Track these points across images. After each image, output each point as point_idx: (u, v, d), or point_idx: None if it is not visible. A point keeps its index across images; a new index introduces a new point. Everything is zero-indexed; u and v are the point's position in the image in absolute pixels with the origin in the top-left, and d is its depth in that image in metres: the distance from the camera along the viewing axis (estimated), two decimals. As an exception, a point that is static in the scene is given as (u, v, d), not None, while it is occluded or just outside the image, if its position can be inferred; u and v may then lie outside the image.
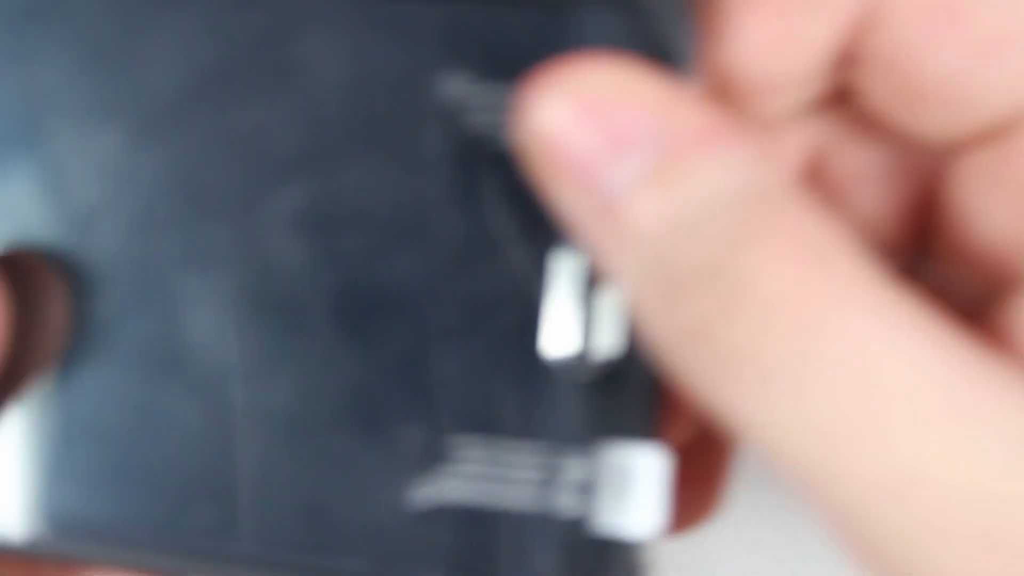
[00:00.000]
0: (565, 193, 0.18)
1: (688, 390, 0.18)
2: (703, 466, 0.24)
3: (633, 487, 0.20)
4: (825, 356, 0.17)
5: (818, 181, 0.22)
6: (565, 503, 0.20)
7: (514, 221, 0.21)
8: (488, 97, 0.21)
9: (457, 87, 0.21)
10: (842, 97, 0.22)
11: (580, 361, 0.21)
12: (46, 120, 0.21)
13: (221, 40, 0.21)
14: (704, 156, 0.18)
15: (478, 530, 0.20)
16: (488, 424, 0.21)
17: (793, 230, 0.17)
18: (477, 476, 0.21)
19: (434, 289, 0.21)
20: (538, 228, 0.21)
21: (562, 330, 0.21)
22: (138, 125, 0.21)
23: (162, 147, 0.21)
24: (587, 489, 0.20)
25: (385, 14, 0.21)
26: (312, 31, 0.21)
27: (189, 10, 0.21)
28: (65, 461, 0.21)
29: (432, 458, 0.21)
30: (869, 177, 0.22)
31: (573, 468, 0.20)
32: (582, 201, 0.18)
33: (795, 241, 0.17)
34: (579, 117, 0.18)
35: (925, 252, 0.22)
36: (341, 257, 0.21)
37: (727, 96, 0.21)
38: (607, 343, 0.21)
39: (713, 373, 0.17)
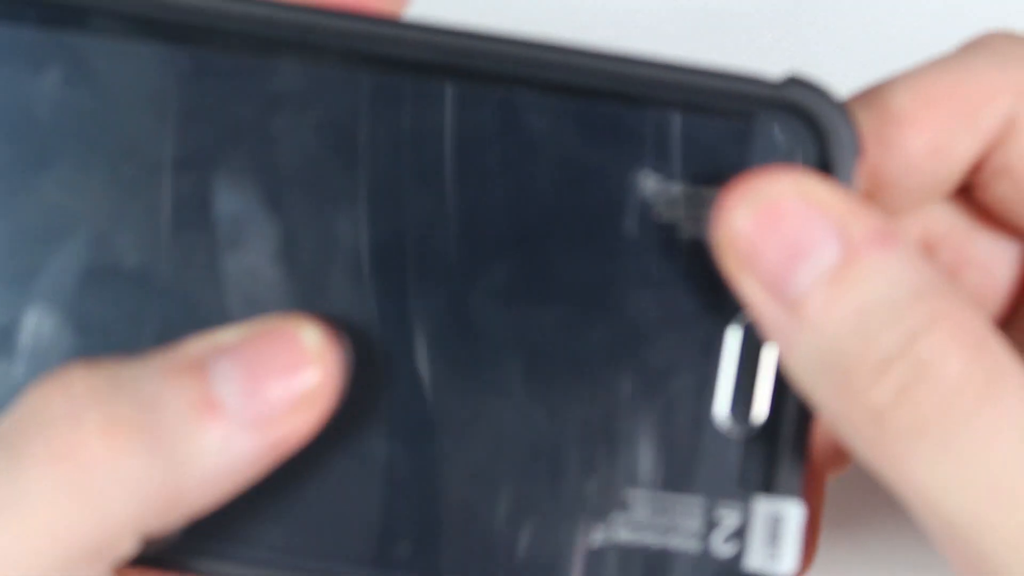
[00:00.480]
0: (751, 291, 0.21)
1: (862, 461, 0.21)
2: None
3: (780, 535, 0.23)
4: (996, 426, 0.20)
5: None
6: (721, 547, 0.24)
7: (693, 299, 0.24)
8: (677, 194, 0.23)
9: (650, 184, 0.23)
10: (961, 191, 0.25)
11: (742, 425, 0.24)
12: (287, 197, 0.24)
13: (447, 136, 0.24)
14: (880, 256, 0.21)
15: (646, 567, 0.24)
16: (658, 479, 0.24)
17: (959, 320, 0.20)
18: (647, 523, 0.24)
19: (617, 358, 0.24)
20: (712, 306, 0.24)
21: (727, 396, 0.24)
22: (374, 205, 0.24)
23: (393, 224, 0.24)
24: (740, 535, 0.24)
25: (594, 118, 0.23)
26: (527, 131, 0.23)
27: (427, 109, 0.23)
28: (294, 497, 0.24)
29: (608, 507, 0.24)
30: (978, 261, 0.25)
31: (729, 518, 0.24)
32: (767, 299, 0.21)
33: (962, 330, 0.20)
34: (765, 226, 0.21)
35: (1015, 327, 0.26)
36: (539, 326, 0.24)
37: (878, 196, 0.24)
38: (765, 408, 0.24)
39: (893, 447, 0.20)
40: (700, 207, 0.24)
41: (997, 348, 0.20)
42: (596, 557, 0.24)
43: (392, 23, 0.24)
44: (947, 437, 0.20)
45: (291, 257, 0.24)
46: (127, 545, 0.21)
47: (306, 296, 0.24)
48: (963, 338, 0.20)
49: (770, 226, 0.21)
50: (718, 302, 0.24)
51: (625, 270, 0.24)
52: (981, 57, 0.24)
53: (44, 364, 0.23)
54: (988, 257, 0.26)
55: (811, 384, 0.21)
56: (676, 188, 0.24)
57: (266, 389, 0.21)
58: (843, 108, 0.23)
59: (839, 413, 0.21)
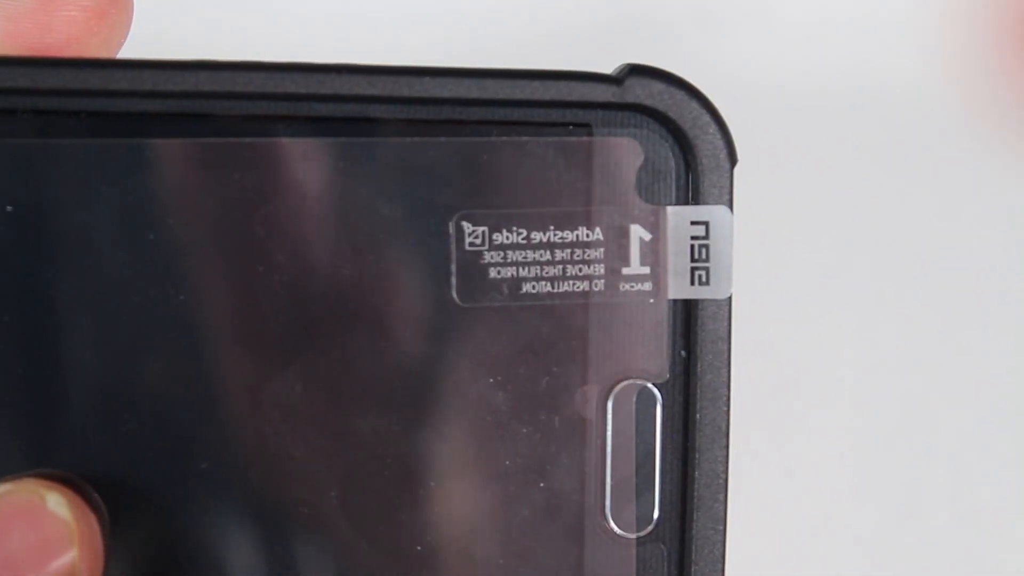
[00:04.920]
0: None
1: None
2: None
3: None
4: None
5: None
6: None
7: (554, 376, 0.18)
8: (513, 242, 0.18)
9: (473, 233, 0.18)
10: None
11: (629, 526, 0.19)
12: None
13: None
14: None
15: None
16: None
17: None
18: None
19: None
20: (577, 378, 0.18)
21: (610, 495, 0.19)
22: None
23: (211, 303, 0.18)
24: None
25: (371, 159, 0.18)
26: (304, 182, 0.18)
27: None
28: None
29: None
30: None
31: None
32: None
33: None
34: None
35: None
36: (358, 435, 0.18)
37: None
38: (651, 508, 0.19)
39: None
40: (542, 253, 0.18)
41: None
42: None
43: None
44: None
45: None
46: None
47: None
48: None
49: None
50: (584, 372, 0.18)
51: (447, 350, 0.18)
52: None
53: None
54: None
55: None
56: (509, 236, 0.18)
57: None
58: (707, 102, 0.18)
59: None
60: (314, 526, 0.18)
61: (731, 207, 0.18)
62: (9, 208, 0.17)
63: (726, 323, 0.18)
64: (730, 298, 0.18)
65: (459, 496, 0.18)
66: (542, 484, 0.18)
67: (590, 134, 0.18)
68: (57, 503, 0.18)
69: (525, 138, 0.18)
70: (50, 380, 0.18)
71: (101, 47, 0.18)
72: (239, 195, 0.18)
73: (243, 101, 0.18)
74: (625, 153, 0.18)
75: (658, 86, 0.18)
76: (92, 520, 0.18)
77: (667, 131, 0.18)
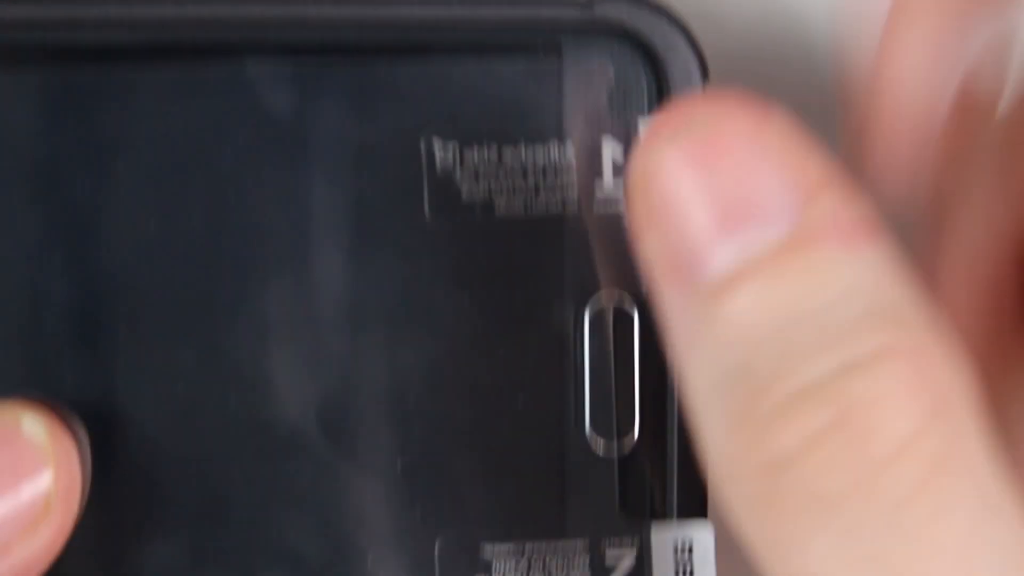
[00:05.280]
0: (654, 259, 0.15)
1: (742, 528, 0.14)
2: None
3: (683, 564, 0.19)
4: (941, 518, 0.14)
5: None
6: None
7: (532, 291, 0.18)
8: (485, 161, 0.18)
9: (445, 153, 0.18)
10: None
11: (610, 443, 0.19)
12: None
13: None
14: (841, 251, 0.14)
15: None
16: (524, 527, 0.19)
17: (920, 364, 0.14)
18: None
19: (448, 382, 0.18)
20: (555, 297, 0.18)
21: (590, 412, 0.19)
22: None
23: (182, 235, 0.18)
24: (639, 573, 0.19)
25: (351, 81, 0.18)
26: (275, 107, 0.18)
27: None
28: None
29: (470, 569, 0.19)
30: None
31: (619, 556, 0.19)
32: (673, 275, 0.14)
33: (919, 376, 0.14)
34: (698, 170, 0.14)
35: None
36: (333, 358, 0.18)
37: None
38: (631, 424, 0.19)
39: (782, 519, 0.14)
40: (514, 173, 0.18)
41: (960, 409, 0.14)
42: None
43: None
44: (866, 521, 0.13)
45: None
46: None
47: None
48: (917, 387, 0.14)
49: (706, 171, 0.14)
50: (561, 291, 0.18)
51: (422, 271, 0.18)
52: None
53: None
54: None
55: (704, 406, 0.15)
56: (481, 156, 0.18)
57: None
58: (677, 20, 0.18)
59: (725, 454, 0.14)
60: (294, 445, 0.18)
61: None
62: None
63: None
64: None
65: (437, 414, 0.18)
66: (521, 404, 0.18)
67: (560, 56, 0.18)
68: (33, 425, 0.18)
69: (496, 61, 0.18)
70: (29, 307, 0.18)
71: None
72: (208, 124, 0.18)
73: (210, 30, 0.18)
74: (596, 74, 0.18)
75: (627, 6, 0.18)
76: (69, 444, 0.18)
77: (638, 51, 0.18)
